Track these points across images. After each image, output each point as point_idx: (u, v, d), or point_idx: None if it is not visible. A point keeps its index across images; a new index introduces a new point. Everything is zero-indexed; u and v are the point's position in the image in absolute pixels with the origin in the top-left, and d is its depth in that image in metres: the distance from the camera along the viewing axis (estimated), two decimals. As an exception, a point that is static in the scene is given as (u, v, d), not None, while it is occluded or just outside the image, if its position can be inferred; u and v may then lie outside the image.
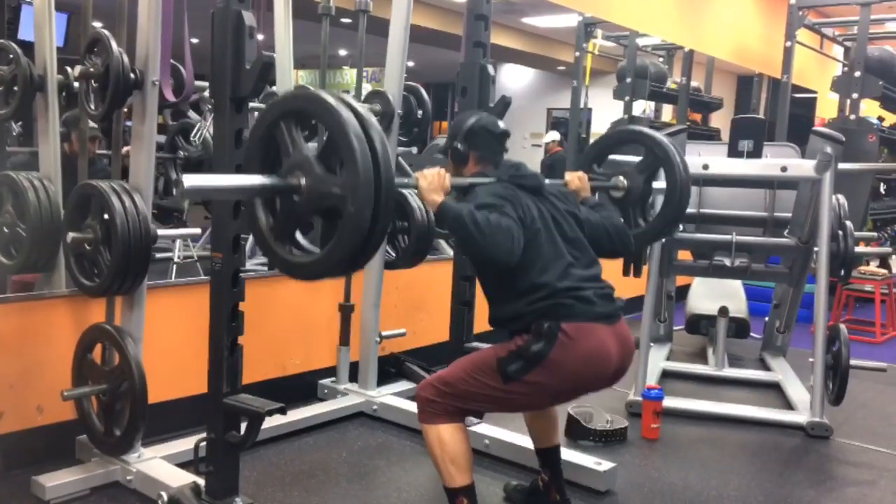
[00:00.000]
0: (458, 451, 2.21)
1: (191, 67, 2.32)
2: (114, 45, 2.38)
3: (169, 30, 2.33)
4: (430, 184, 2.17)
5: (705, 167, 3.71)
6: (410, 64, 12.77)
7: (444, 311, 3.23)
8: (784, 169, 3.60)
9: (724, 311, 4.38)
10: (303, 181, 1.74)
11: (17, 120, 3.40)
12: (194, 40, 2.62)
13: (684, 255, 4.62)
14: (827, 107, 9.33)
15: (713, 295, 4.92)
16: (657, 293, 4.01)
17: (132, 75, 2.42)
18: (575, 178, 2.62)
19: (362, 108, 1.71)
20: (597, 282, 2.26)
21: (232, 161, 2.21)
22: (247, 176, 1.82)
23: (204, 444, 2.30)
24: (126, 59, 2.40)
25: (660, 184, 2.88)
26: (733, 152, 3.72)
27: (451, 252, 4.21)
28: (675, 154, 2.78)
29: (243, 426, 2.30)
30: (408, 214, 3.45)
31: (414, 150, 5.05)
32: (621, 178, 2.84)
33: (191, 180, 1.64)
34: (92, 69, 2.44)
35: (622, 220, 2.58)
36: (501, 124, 2.46)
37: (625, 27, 6.51)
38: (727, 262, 4.00)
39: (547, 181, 2.42)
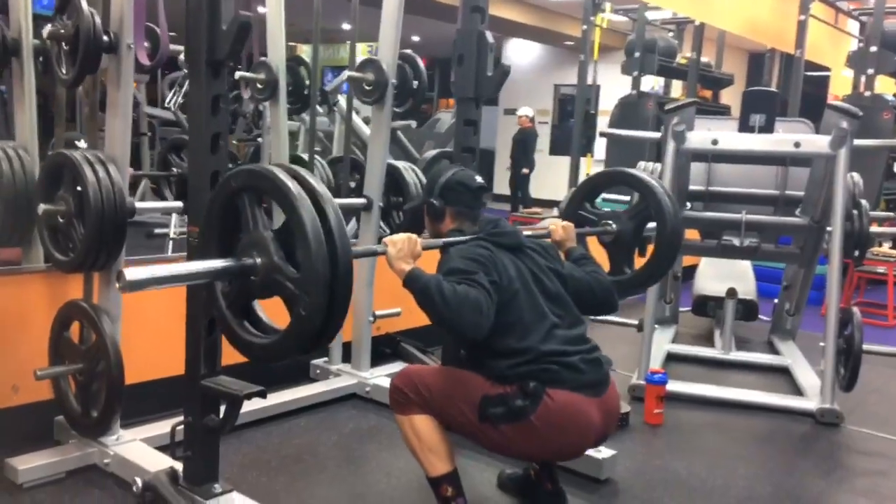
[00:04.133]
0: (436, 439, 2.11)
1: (165, 28, 2.17)
2: (84, 4, 2.24)
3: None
4: (399, 251, 2.01)
5: (714, 142, 3.55)
6: (415, 38, 12.58)
7: (441, 290, 3.09)
8: (797, 144, 3.44)
9: (732, 292, 4.23)
10: (258, 261, 1.68)
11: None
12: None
13: (691, 235, 4.46)
14: (841, 84, 9.11)
15: (721, 276, 4.78)
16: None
17: (105, 38, 2.28)
18: (559, 228, 2.49)
19: (319, 189, 1.64)
20: (582, 343, 2.15)
21: (208, 130, 2.07)
22: (193, 263, 1.81)
23: (181, 427, 2.19)
24: (98, 20, 2.26)
25: (653, 225, 2.77)
26: (744, 127, 3.56)
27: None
28: (668, 204, 2.68)
29: (223, 409, 2.19)
30: (402, 190, 3.32)
31: (413, 123, 4.89)
32: (611, 222, 2.77)
33: (133, 273, 1.55)
34: (62, 31, 2.30)
35: (607, 273, 2.49)
36: (478, 178, 2.34)
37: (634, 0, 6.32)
38: (736, 241, 3.86)
39: (526, 232, 2.32)
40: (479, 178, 2.34)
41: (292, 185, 1.62)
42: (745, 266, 4.92)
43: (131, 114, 2.41)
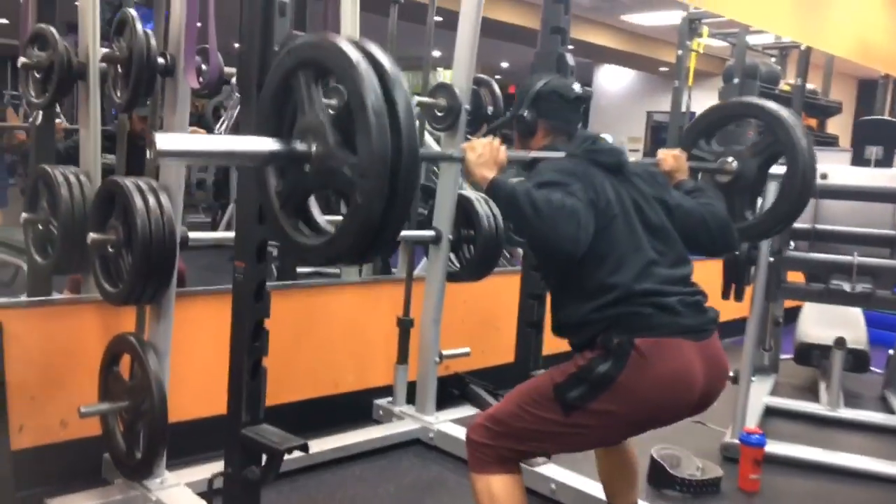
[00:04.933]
0: None
1: (215, 48, 2.05)
2: (139, 26, 2.14)
3: (195, 5, 2.07)
4: (480, 157, 1.78)
5: (823, 176, 3.19)
6: (504, 64, 12.43)
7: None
8: (921, 180, 3.05)
9: (840, 342, 3.81)
10: (313, 148, 1.41)
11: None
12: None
13: (794, 277, 4.05)
14: (964, 113, 8.39)
15: (828, 321, 4.34)
16: (762, 319, 3.50)
17: (161, 60, 2.17)
18: (669, 157, 2.17)
19: (390, 67, 1.35)
20: (684, 285, 1.84)
21: (258, 157, 1.93)
22: (237, 139, 1.54)
23: (221, 477, 2.03)
24: (154, 41, 2.16)
25: (778, 169, 2.44)
26: (859, 160, 3.19)
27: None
28: (801, 138, 2.33)
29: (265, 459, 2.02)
30: (473, 222, 3.11)
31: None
32: (731, 159, 2.41)
33: (166, 141, 1.32)
34: (117, 52, 2.21)
35: (726, 209, 2.12)
36: (577, 87, 2.05)
37: (734, 23, 5.95)
38: (847, 287, 3.45)
39: (632, 159, 2.01)
40: (577, 87, 2.06)
41: (353, 53, 1.35)
42: (855, 311, 4.46)
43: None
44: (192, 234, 2.34)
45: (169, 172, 2.30)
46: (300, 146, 1.42)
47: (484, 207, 3.07)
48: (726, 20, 5.75)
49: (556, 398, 1.78)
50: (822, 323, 4.38)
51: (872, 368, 4.25)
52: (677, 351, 1.74)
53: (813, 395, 4.19)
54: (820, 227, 3.64)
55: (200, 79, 2.27)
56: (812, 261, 3.58)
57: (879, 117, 3.70)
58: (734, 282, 3.47)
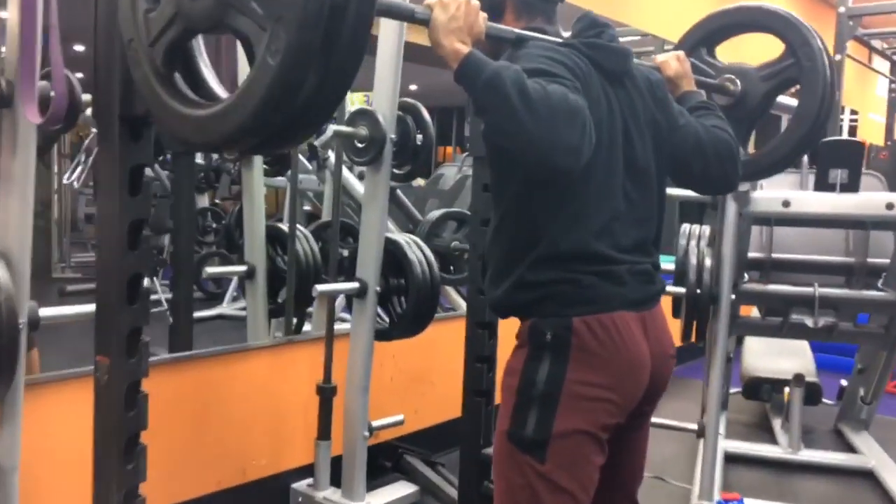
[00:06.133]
0: None
1: (61, 69, 1.53)
2: (-43, 40, 1.61)
3: (34, 15, 1.55)
4: (453, 19, 1.31)
5: (786, 204, 2.90)
6: (413, 87, 12.07)
7: (455, 381, 2.51)
8: (891, 206, 2.80)
9: (799, 378, 3.55)
10: None
11: None
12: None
13: (746, 311, 3.78)
14: (868, 129, 8.55)
15: (775, 352, 4.13)
16: (724, 362, 3.17)
17: (-9, 87, 1.64)
18: (672, 58, 1.75)
19: None
20: (637, 254, 1.52)
21: (124, 216, 1.43)
22: None
23: None
24: (-20, 63, 1.63)
25: (786, 100, 2.12)
26: (822, 184, 2.91)
27: (464, 306, 3.41)
28: (824, 62, 1.99)
29: None
30: (404, 269, 2.66)
31: (420, 181, 4.24)
32: (734, 77, 2.03)
33: None
34: (-72, 78, 1.66)
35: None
36: None
37: (653, 39, 5.76)
38: (809, 321, 3.17)
39: (635, 61, 1.59)
40: None
41: None
42: (801, 341, 4.25)
43: (32, 190, 1.75)
44: (46, 312, 1.78)
45: (8, 231, 1.75)
46: None
47: (416, 252, 2.63)
48: (641, 38, 5.50)
49: (519, 448, 1.44)
50: (768, 354, 4.16)
51: (824, 400, 4.01)
52: (622, 327, 1.45)
53: (765, 431, 3.95)
54: (776, 256, 3.37)
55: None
56: (772, 293, 3.30)
57: (843, 138, 3.48)
58: (696, 320, 3.14)
